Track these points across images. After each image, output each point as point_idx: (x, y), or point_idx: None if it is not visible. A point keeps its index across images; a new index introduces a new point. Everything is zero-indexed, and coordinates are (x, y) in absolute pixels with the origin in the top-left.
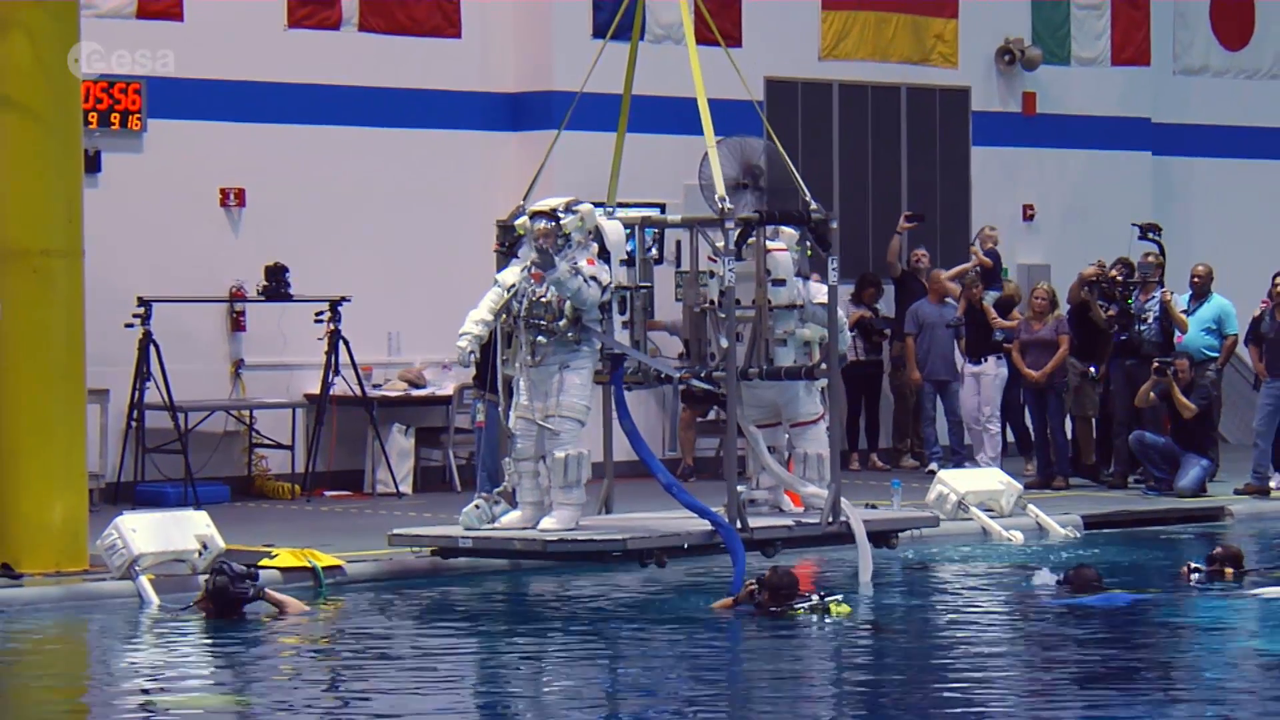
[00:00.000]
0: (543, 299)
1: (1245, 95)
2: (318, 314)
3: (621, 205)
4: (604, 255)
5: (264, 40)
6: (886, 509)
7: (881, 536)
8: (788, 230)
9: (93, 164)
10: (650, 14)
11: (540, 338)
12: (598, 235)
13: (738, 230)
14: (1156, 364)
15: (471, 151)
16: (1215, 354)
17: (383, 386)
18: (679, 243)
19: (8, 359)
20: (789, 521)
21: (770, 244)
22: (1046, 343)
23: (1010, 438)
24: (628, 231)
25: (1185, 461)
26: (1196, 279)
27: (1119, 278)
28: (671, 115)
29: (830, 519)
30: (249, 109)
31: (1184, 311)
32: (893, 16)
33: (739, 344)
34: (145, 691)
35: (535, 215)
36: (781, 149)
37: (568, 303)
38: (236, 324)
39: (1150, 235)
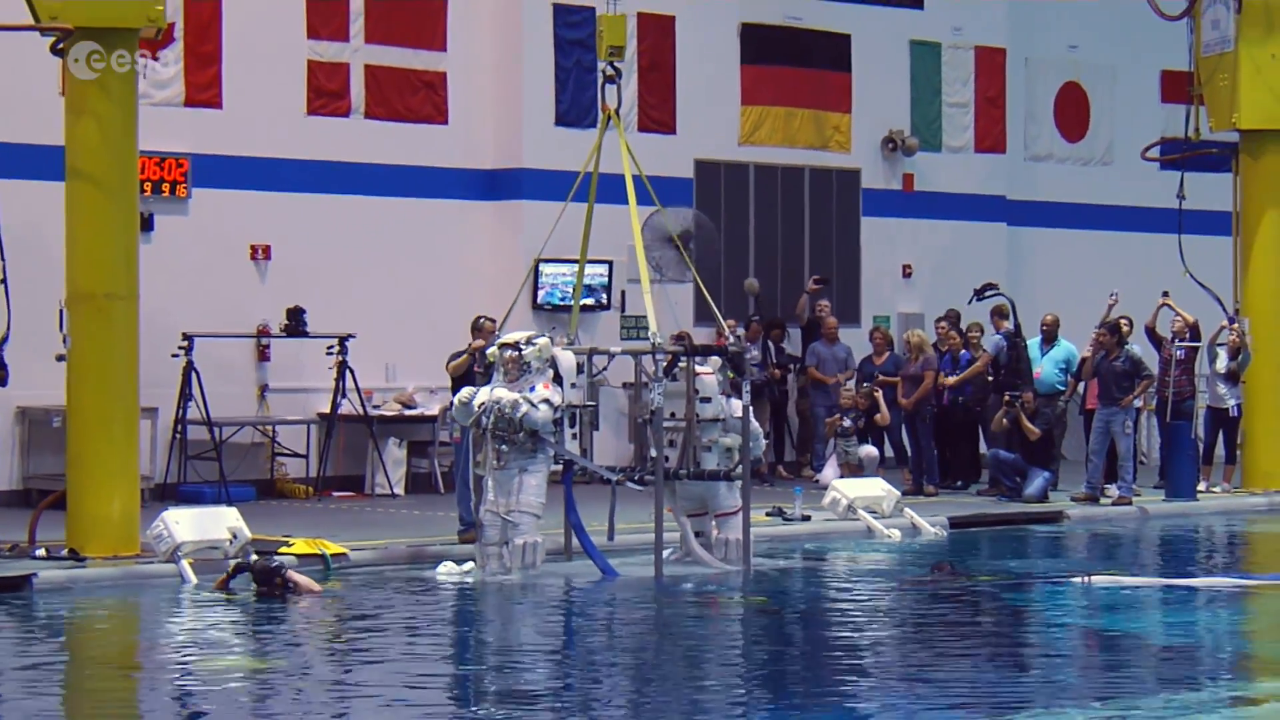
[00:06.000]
0: (506, 415)
1: (1081, 178)
2: (329, 348)
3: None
4: (558, 379)
5: (287, 125)
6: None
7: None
8: (714, 358)
9: (147, 224)
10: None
11: (504, 446)
12: (553, 363)
13: (666, 359)
14: (1007, 397)
15: (455, 217)
16: (1064, 388)
17: (381, 407)
18: (623, 292)
19: (76, 382)
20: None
21: (699, 368)
22: (916, 378)
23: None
24: (579, 360)
25: (1031, 474)
26: (1045, 326)
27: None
28: (618, 189)
29: None
30: (274, 180)
31: (1041, 352)
32: (799, 111)
33: (673, 449)
34: (185, 654)
35: (503, 346)
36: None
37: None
38: (262, 355)
39: (987, 294)
